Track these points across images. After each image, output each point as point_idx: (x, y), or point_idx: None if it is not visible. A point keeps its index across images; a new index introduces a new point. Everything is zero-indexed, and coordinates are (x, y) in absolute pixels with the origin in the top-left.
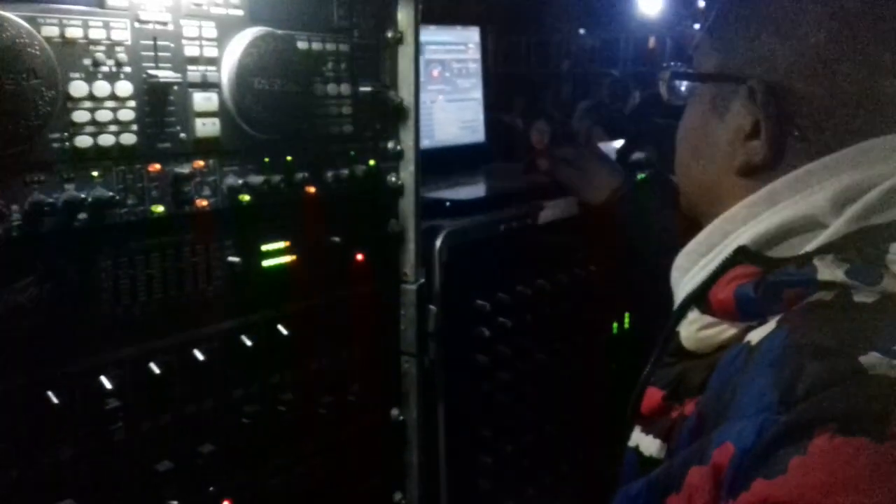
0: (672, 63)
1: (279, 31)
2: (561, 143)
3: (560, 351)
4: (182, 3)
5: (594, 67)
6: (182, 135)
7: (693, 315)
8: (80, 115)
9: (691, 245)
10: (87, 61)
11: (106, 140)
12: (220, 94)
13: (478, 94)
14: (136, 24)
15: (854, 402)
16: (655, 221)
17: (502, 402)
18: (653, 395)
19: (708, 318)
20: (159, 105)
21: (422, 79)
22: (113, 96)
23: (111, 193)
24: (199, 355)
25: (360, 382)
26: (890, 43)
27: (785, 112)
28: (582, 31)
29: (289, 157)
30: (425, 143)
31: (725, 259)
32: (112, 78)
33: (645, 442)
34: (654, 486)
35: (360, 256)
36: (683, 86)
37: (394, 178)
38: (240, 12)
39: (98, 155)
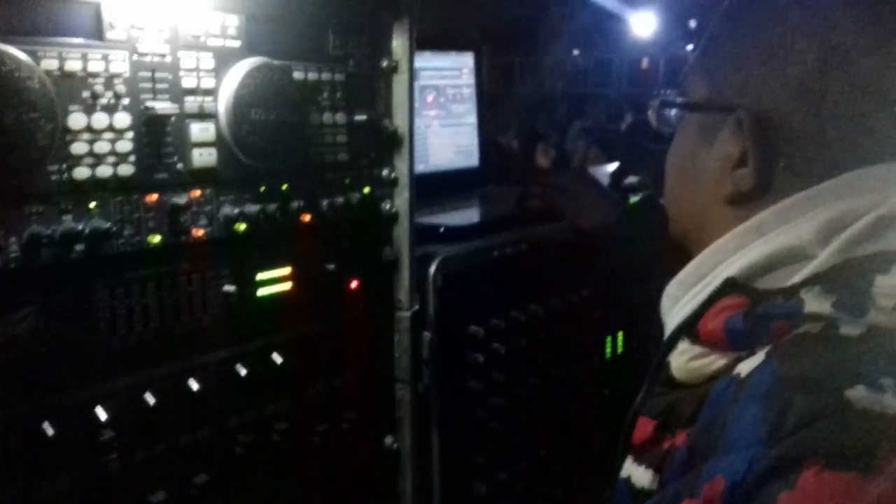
0: (662, 91)
1: (275, 62)
2: (556, 164)
3: (554, 377)
4: (180, 34)
5: (588, 88)
6: (179, 165)
7: (683, 345)
8: (78, 147)
9: (681, 275)
10: (85, 94)
11: (104, 171)
12: (216, 124)
13: (472, 118)
14: (135, 57)
15: (840, 436)
16: (648, 245)
17: (496, 429)
18: (644, 426)
19: (698, 349)
20: (157, 136)
21: (416, 104)
22: (111, 128)
23: (108, 224)
24: (194, 385)
25: (354, 410)
26: (877, 73)
27: (772, 141)
28: (576, 52)
29: (284, 186)
30: (420, 168)
31: (714, 290)
32: (110, 110)
33: (637, 473)
34: None
35: (354, 284)
36: (673, 112)
37: (388, 206)
38: (237, 43)
39: (95, 186)
